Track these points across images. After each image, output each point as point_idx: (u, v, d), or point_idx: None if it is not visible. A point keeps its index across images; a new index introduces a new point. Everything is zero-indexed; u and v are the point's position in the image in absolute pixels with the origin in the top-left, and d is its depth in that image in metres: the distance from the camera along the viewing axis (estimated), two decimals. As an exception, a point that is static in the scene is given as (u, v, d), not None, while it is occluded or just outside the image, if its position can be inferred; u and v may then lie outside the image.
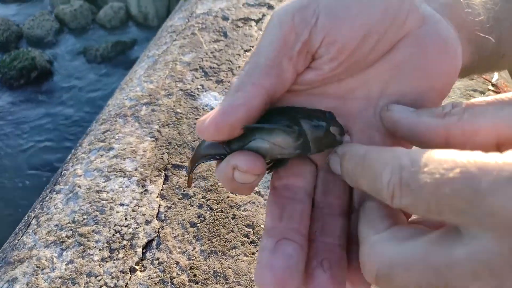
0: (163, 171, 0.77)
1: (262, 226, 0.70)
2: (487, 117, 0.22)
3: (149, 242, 0.67)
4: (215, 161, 0.29)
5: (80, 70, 3.79)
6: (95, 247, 0.66)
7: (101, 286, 0.61)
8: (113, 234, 0.68)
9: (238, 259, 0.65)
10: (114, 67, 3.79)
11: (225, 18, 1.12)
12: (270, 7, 1.16)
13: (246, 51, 1.03)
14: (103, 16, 4.28)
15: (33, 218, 0.73)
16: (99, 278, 0.62)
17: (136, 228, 0.69)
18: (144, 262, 0.65)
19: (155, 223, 0.70)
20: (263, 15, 1.14)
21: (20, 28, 4.05)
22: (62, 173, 0.82)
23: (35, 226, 0.71)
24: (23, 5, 4.43)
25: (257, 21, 1.12)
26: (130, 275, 0.63)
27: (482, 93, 0.93)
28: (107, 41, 4.02)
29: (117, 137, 0.84)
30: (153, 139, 0.83)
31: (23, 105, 3.27)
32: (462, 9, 0.29)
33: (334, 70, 0.28)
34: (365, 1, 0.27)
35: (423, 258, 0.18)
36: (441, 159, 0.18)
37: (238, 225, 0.70)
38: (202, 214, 0.71)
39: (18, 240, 0.69)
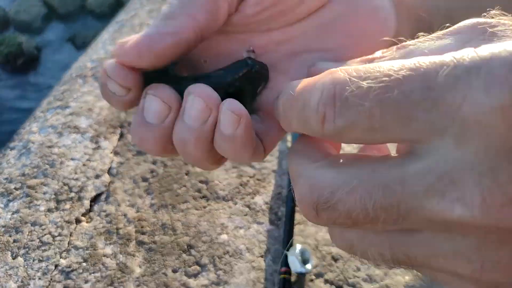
0: (119, 128, 0.76)
1: (216, 181, 0.69)
2: (421, 52, 0.19)
3: (98, 195, 0.66)
4: None
5: (68, 57, 3.73)
6: (42, 198, 0.65)
7: (45, 234, 0.60)
8: (61, 187, 0.66)
9: (189, 212, 0.64)
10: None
11: (197, -14, 1.11)
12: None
13: (215, 17, 1.01)
14: (93, 2, 4.24)
15: (-16, 173, 0.72)
16: (43, 227, 0.61)
17: (85, 181, 0.67)
18: (91, 214, 0.64)
19: (106, 178, 0.68)
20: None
21: (6, 12, 3.99)
22: (18, 131, 0.80)
23: (-16, 180, 0.69)
24: (9, -11, 4.37)
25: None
26: (75, 225, 0.62)
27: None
28: (96, 28, 3.97)
29: (75, 96, 0.82)
30: (112, 97, 0.81)
31: (7, 91, 3.22)
32: None
33: (257, 14, 0.27)
34: None
35: (369, 178, 0.15)
36: (385, 66, 0.15)
37: (191, 181, 0.69)
38: (155, 170, 0.70)
39: (-35, 192, 0.68)
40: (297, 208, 0.65)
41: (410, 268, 0.17)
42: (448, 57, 0.14)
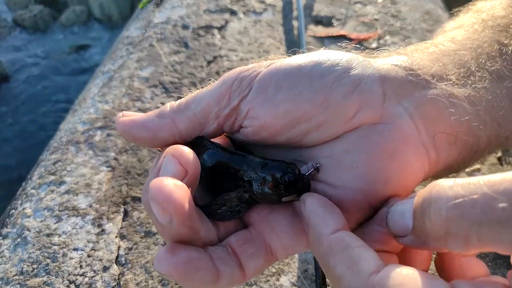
0: (122, 206, 0.70)
1: (234, 262, 0.63)
2: None
3: (109, 292, 0.60)
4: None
5: (41, 77, 3.61)
6: (46, 303, 0.58)
7: None
8: (67, 286, 0.60)
9: (210, 303, 0.59)
10: (78, 72, 3.63)
11: (185, 27, 1.04)
12: (233, 13, 1.09)
13: (209, 62, 0.96)
14: (65, 21, 4.10)
15: (-24, 270, 0.65)
16: None
17: (93, 276, 0.61)
18: (104, 316, 0.58)
19: (115, 269, 0.62)
20: (226, 22, 1.07)
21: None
22: (10, 213, 0.74)
23: (-22, 281, 0.62)
24: (-24, 11, 4.20)
25: (219, 29, 1.05)
26: (87, 333, 0.56)
27: None
28: (70, 45, 3.86)
29: (69, 169, 0.76)
30: (110, 168, 0.75)
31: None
32: (441, 110, 0.28)
33: (258, 142, 0.31)
34: (298, 89, 0.27)
35: None
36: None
37: (208, 263, 0.63)
38: (167, 253, 0.64)
39: (-43, 300, 0.61)
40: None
41: None
42: None
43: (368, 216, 0.28)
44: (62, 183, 0.74)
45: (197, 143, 0.31)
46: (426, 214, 0.21)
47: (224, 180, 0.30)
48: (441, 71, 0.29)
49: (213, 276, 0.26)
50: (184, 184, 0.25)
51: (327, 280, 0.60)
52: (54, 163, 0.78)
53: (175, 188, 0.23)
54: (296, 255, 0.64)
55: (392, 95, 0.27)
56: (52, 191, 0.73)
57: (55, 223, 0.68)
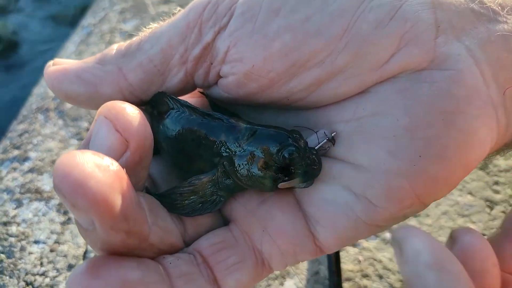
0: (94, 188, 0.58)
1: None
2: None
3: (73, 296, 0.49)
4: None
5: (50, 39, 3.49)
6: (-3, 309, 0.48)
7: None
8: (23, 288, 0.49)
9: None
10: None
11: (178, -29, 0.88)
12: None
13: (205, 12, 0.80)
14: (68, -22, 3.93)
15: None
16: None
17: (55, 277, 0.50)
18: (66, 326, 0.47)
19: (82, 267, 0.51)
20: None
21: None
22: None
23: None
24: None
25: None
26: None
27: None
28: (76, 6, 3.71)
29: (35, 142, 0.63)
30: (81, 142, 0.63)
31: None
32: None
33: (245, 99, 0.21)
34: (305, 13, 0.18)
35: None
36: None
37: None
38: (147, 247, 0.53)
39: None
40: (343, 295, 0.48)
41: None
42: None
43: (413, 213, 0.20)
44: (26, 159, 0.62)
45: (156, 102, 0.22)
46: None
47: (194, 155, 0.21)
48: None
49: None
50: (116, 165, 0.16)
51: (343, 285, 0.48)
52: (21, 135, 0.66)
53: (95, 172, 0.15)
54: (305, 252, 0.52)
55: (448, 28, 0.20)
56: (15, 169, 0.61)
57: (15, 209, 0.56)
